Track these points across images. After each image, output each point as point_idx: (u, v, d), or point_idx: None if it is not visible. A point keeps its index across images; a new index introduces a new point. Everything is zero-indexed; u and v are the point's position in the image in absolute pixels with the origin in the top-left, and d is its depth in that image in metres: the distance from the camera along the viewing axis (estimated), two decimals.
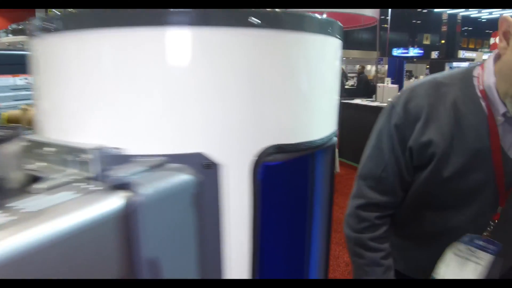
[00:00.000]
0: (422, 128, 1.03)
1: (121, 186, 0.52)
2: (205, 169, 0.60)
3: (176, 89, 0.59)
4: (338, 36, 0.83)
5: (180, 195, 0.56)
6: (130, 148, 0.60)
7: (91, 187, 0.53)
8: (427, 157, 1.05)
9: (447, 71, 1.12)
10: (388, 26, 11.02)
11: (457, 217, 1.10)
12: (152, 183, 0.53)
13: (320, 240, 1.01)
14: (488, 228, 1.09)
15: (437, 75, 1.10)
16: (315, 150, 0.81)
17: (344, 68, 19.54)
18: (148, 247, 0.53)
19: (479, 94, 1.02)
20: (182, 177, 0.57)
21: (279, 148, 0.67)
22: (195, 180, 0.59)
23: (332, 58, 0.81)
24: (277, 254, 0.96)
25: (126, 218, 0.50)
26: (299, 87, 0.70)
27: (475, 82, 1.03)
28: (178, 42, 0.58)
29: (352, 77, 15.83)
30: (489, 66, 1.01)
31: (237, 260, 0.68)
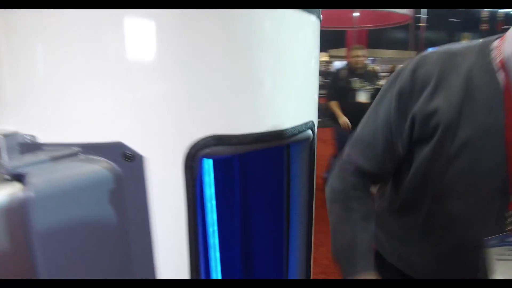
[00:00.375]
0: (430, 96, 0.94)
1: (16, 177, 0.47)
2: (126, 161, 0.54)
3: (93, 71, 0.53)
4: (313, 12, 0.74)
5: (90, 189, 0.50)
6: (44, 135, 0.54)
7: None
8: (431, 128, 0.95)
9: (463, 42, 1.01)
10: (423, 24, 10.66)
11: (463, 205, 0.99)
12: (50, 176, 0.47)
13: (299, 241, 0.93)
14: (506, 222, 0.97)
15: (452, 46, 1.01)
16: (283, 143, 0.73)
17: (378, 67, 19.09)
18: (45, 243, 0.47)
19: (496, 66, 0.91)
20: (95, 169, 0.51)
21: (220, 140, 0.59)
22: (112, 173, 0.53)
23: (302, 37, 0.73)
24: (237, 255, 0.89)
25: (12, 212, 0.44)
26: (249, 68, 0.62)
27: (493, 54, 0.93)
28: (91, 21, 0.52)
29: (384, 77, 15.48)
30: (511, 34, 0.90)
31: (173, 261, 0.61)
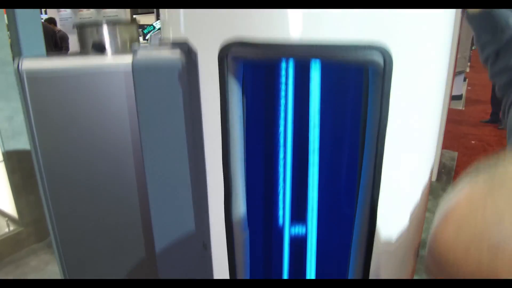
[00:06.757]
0: None
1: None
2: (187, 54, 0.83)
3: None
4: None
5: (169, 66, 0.81)
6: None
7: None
8: None
9: None
10: None
11: None
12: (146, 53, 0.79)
13: None
14: None
15: None
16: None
17: None
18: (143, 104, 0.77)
19: None
20: (173, 55, 0.82)
21: (243, 43, 0.74)
22: (180, 60, 0.83)
23: None
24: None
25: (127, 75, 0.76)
26: None
27: None
28: None
29: None
30: None
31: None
